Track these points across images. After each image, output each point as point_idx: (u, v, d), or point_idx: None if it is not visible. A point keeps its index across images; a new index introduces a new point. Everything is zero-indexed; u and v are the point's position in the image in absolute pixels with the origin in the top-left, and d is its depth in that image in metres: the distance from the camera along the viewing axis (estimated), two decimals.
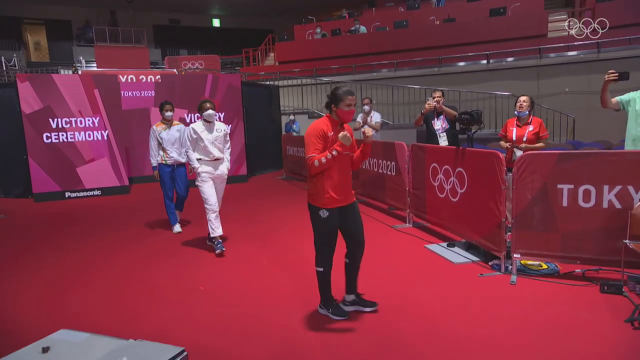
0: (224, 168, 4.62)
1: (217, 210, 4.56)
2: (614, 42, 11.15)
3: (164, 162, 5.35)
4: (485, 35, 12.45)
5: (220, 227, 4.56)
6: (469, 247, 4.28)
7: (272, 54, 16.58)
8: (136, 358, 1.26)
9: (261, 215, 6.23)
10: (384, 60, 13.31)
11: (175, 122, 5.47)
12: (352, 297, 3.09)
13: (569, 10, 13.56)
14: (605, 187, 3.32)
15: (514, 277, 3.54)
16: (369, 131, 2.93)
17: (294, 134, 10.60)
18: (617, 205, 3.29)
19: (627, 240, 3.13)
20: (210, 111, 4.44)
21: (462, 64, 12.60)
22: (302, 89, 13.22)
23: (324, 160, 2.75)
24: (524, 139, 4.61)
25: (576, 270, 3.60)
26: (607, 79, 3.97)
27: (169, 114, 5.36)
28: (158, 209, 7.08)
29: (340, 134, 2.75)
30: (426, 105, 5.49)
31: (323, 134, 2.80)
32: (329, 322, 2.94)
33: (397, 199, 5.65)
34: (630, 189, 3.25)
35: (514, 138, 4.68)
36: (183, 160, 5.33)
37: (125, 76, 11.67)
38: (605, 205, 3.33)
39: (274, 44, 16.46)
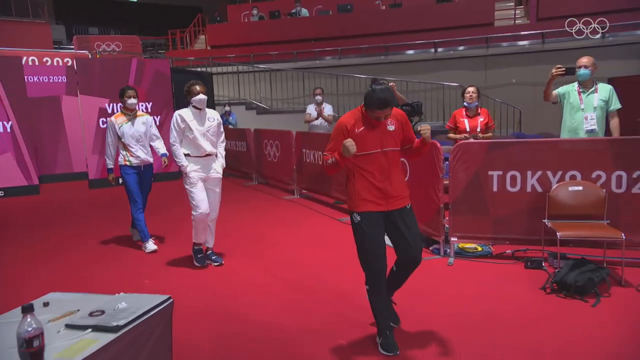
0: (218, 166, 4.42)
1: (207, 220, 4.35)
2: (559, 32, 12.68)
3: (127, 163, 4.94)
4: (432, 23, 13.58)
5: (208, 237, 4.46)
6: None
7: (202, 37, 16.79)
8: (132, 304, 1.74)
9: None
10: (328, 47, 14.02)
11: (139, 112, 5.12)
12: None
13: None
14: (529, 173, 4.22)
15: (451, 260, 4.34)
16: (425, 129, 2.80)
17: (231, 127, 11.02)
18: (539, 188, 4.20)
19: (545, 220, 4.02)
20: (202, 96, 4.22)
21: (410, 52, 13.68)
22: (238, 76, 13.64)
23: (329, 162, 2.77)
24: (478, 129, 5.39)
25: (507, 251, 4.49)
26: (554, 73, 4.60)
27: (132, 101, 4.91)
28: (79, 211, 7.24)
29: (344, 142, 2.62)
30: None
31: (344, 130, 2.75)
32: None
33: (343, 192, 6.32)
34: (549, 173, 4.18)
35: (468, 129, 5.43)
36: (151, 160, 5.13)
37: (26, 57, 11.42)
38: (529, 189, 4.24)
39: (204, 25, 16.67)
